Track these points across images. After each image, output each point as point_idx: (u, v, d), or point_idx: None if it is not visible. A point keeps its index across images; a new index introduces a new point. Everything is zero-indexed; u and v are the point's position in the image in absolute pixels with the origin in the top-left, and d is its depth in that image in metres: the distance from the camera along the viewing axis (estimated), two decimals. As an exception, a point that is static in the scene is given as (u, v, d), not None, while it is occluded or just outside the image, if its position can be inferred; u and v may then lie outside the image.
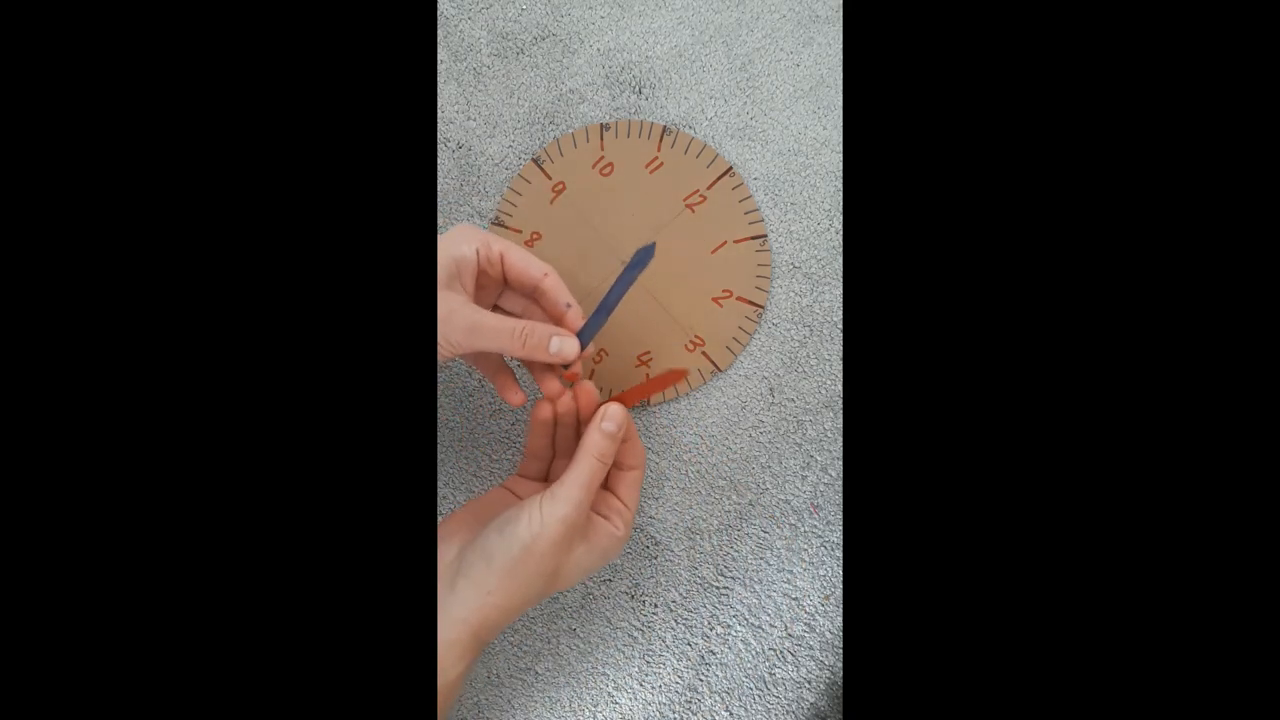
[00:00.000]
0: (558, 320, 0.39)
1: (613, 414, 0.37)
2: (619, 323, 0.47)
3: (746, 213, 0.48)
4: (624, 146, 0.49)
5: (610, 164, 0.49)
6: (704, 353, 0.47)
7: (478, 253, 0.37)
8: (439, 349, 0.35)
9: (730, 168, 0.49)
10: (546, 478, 0.41)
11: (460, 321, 0.35)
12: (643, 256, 0.38)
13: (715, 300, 0.48)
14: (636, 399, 0.39)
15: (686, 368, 0.46)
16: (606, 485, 0.39)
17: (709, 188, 0.49)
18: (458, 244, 0.37)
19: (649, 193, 0.49)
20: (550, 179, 0.49)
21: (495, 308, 0.41)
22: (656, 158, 0.49)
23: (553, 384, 0.40)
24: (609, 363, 0.47)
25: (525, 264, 0.38)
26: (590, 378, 0.47)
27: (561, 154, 0.49)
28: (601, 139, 0.49)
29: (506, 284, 0.40)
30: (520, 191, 0.49)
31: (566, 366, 0.39)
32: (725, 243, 0.48)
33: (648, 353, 0.47)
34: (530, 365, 0.41)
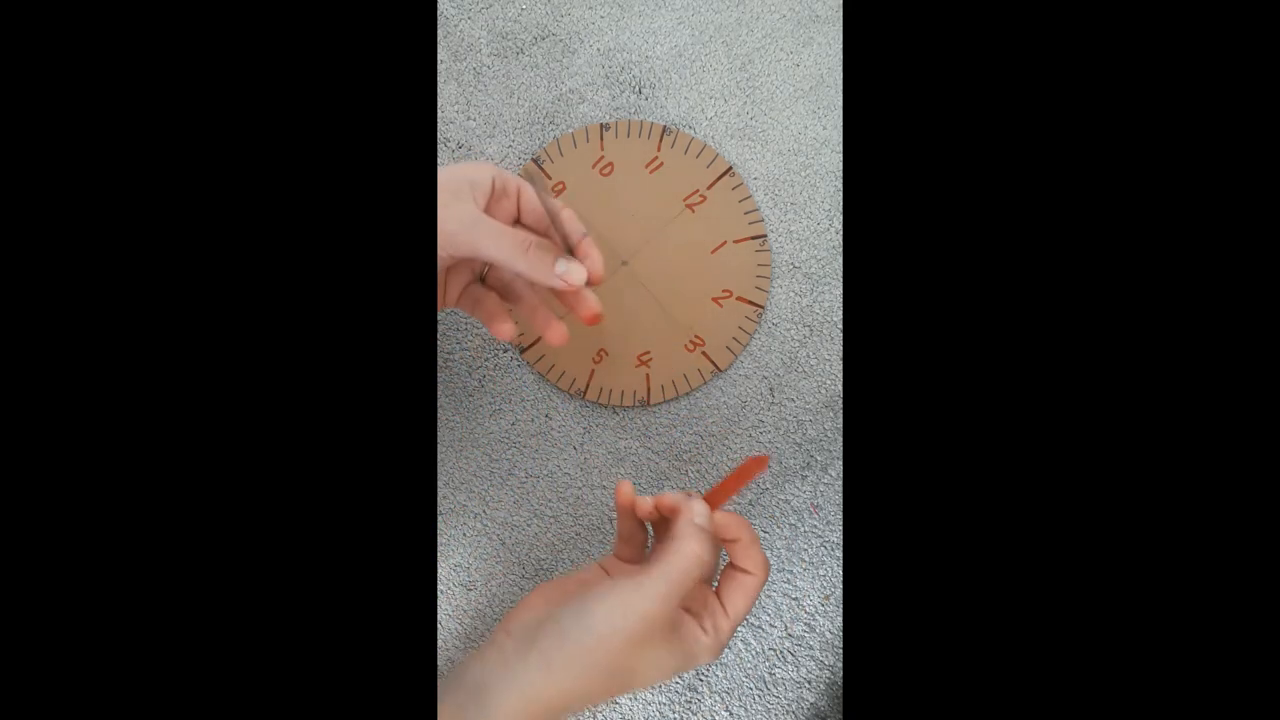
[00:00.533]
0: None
1: (698, 507, 0.34)
2: (618, 323, 0.47)
3: (746, 213, 0.48)
4: (624, 146, 0.49)
5: (610, 164, 0.49)
6: (704, 353, 0.47)
7: (493, 181, 0.36)
8: (439, 251, 0.33)
9: (730, 168, 0.49)
10: (642, 559, 0.38)
11: (465, 216, 0.33)
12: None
13: (715, 300, 0.48)
14: (724, 498, 0.36)
15: (768, 455, 0.43)
16: (717, 588, 0.35)
17: (709, 188, 0.49)
18: (472, 170, 0.35)
19: (649, 193, 0.49)
20: (550, 179, 0.49)
21: (480, 280, 0.40)
22: (656, 158, 0.49)
23: (557, 331, 0.38)
24: (609, 362, 0.47)
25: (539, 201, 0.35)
26: (590, 380, 0.47)
27: (561, 154, 0.49)
28: (601, 139, 0.49)
29: (519, 220, 0.37)
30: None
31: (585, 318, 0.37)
32: (725, 243, 0.48)
33: (647, 353, 0.47)
34: (531, 311, 0.39)
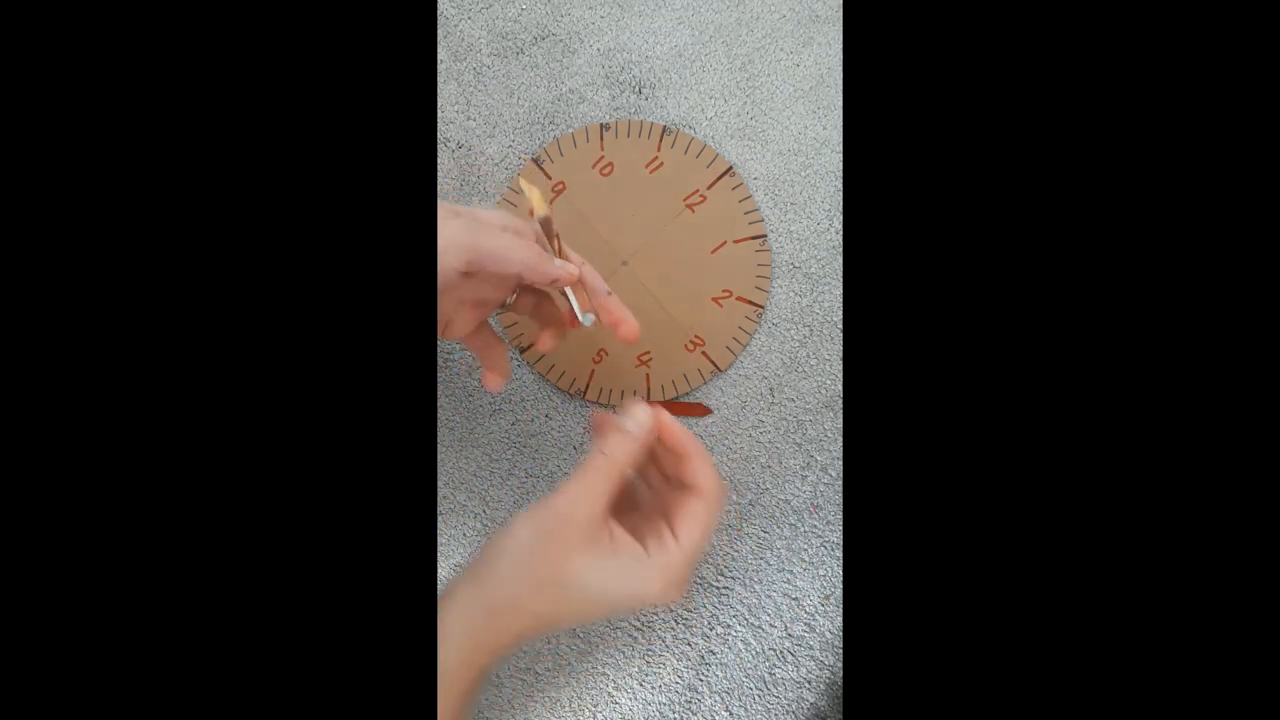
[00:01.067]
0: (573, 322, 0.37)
1: (633, 410, 0.33)
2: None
3: (746, 213, 0.48)
4: (624, 146, 0.49)
5: (610, 164, 0.49)
6: (704, 353, 0.47)
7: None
8: (439, 274, 0.32)
9: (730, 168, 0.49)
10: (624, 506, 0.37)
11: (465, 233, 0.32)
12: None
13: (715, 300, 0.48)
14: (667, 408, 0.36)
15: (711, 409, 0.45)
16: (666, 512, 0.34)
17: (709, 188, 0.49)
18: (445, 242, 0.34)
19: (649, 193, 0.49)
20: (550, 179, 0.49)
21: (504, 305, 0.39)
22: (656, 157, 0.49)
23: (549, 340, 0.38)
24: (608, 363, 0.47)
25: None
26: (590, 380, 0.47)
27: (561, 154, 0.49)
28: (601, 139, 0.49)
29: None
30: (518, 190, 0.49)
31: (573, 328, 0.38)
32: (725, 243, 0.48)
33: (647, 353, 0.47)
34: (536, 316, 0.39)
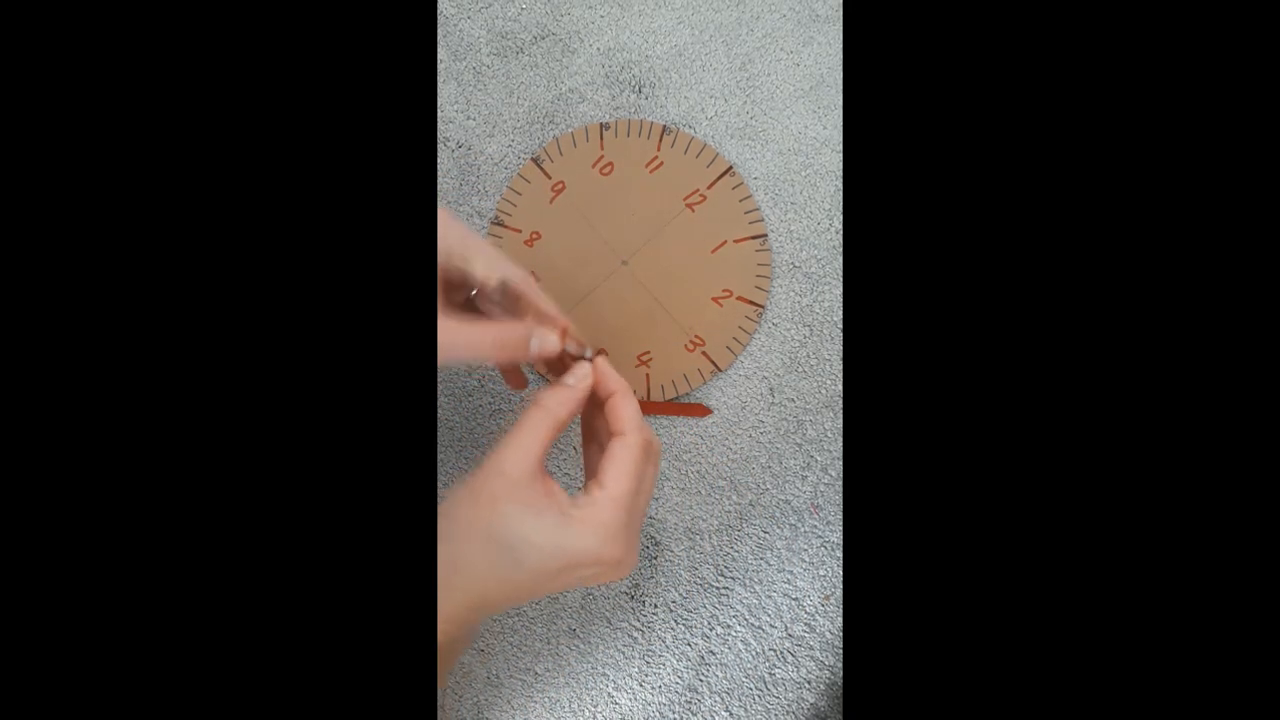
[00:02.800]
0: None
1: (577, 367, 0.33)
2: (618, 324, 0.47)
3: (746, 212, 0.48)
4: (624, 146, 0.49)
5: (610, 163, 0.49)
6: (704, 352, 0.47)
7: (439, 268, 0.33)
8: None
9: (730, 167, 0.49)
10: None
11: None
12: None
13: (715, 300, 0.48)
14: (654, 409, 0.36)
15: (711, 409, 0.46)
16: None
17: (709, 187, 0.49)
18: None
19: (649, 192, 0.49)
20: (550, 178, 0.49)
21: (467, 302, 0.37)
22: (656, 157, 0.49)
23: (517, 381, 0.39)
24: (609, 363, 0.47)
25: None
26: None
27: (561, 153, 0.49)
28: (601, 138, 0.49)
29: (476, 292, 0.35)
30: (520, 191, 0.49)
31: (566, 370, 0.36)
32: (725, 242, 0.48)
33: (647, 352, 0.47)
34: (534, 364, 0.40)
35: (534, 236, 0.48)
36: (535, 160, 0.49)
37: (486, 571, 0.31)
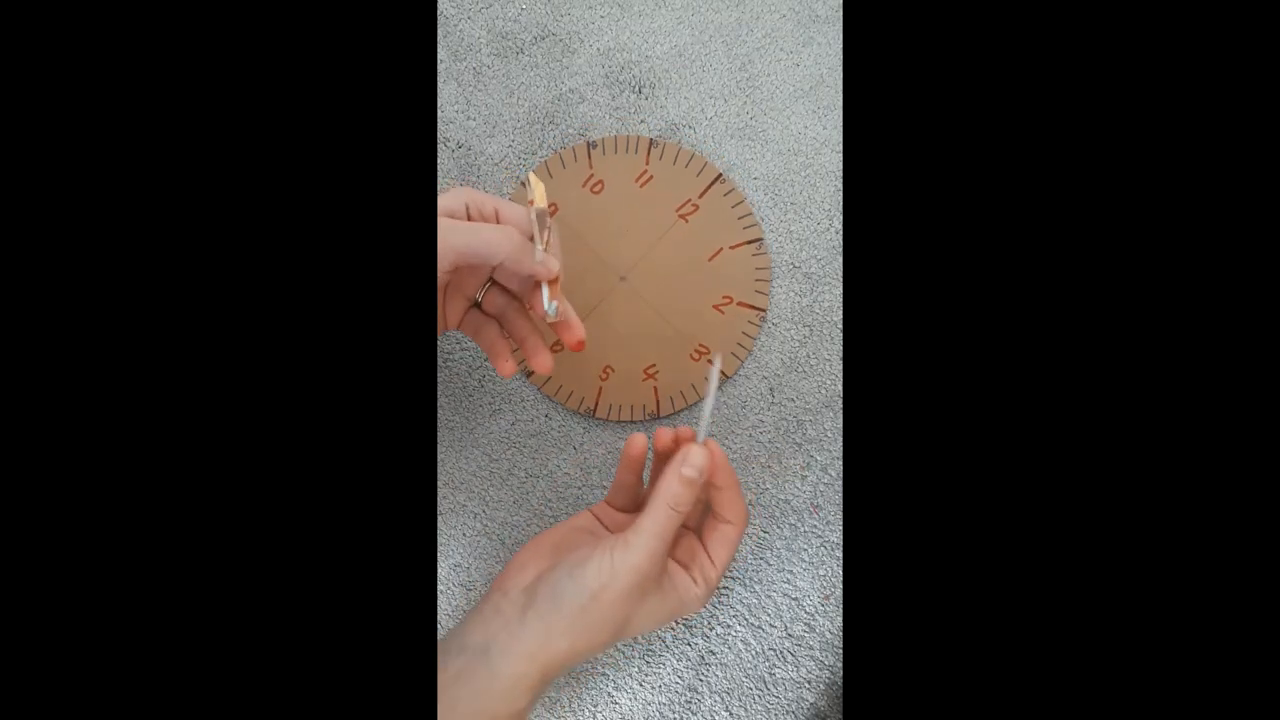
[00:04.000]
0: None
1: (693, 458, 0.34)
2: (622, 338, 0.47)
3: (740, 217, 0.48)
4: (612, 162, 0.49)
5: (600, 181, 0.49)
6: (709, 360, 0.47)
7: (466, 206, 0.36)
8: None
9: (720, 174, 0.49)
10: (636, 508, 0.40)
11: (447, 234, 0.33)
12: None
13: (716, 307, 0.48)
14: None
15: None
16: (700, 536, 0.37)
17: (700, 196, 0.49)
18: (446, 199, 0.36)
19: (641, 206, 0.48)
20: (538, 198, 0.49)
21: (476, 305, 0.40)
22: (646, 170, 0.49)
23: (544, 360, 0.38)
24: (614, 378, 0.47)
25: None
26: (598, 398, 0.47)
27: (550, 175, 0.49)
28: (590, 156, 0.49)
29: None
30: (526, 184, 0.49)
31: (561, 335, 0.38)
32: (721, 249, 0.48)
33: (653, 365, 0.47)
34: (522, 340, 0.39)
35: None
36: (524, 185, 0.49)
37: (590, 648, 0.34)
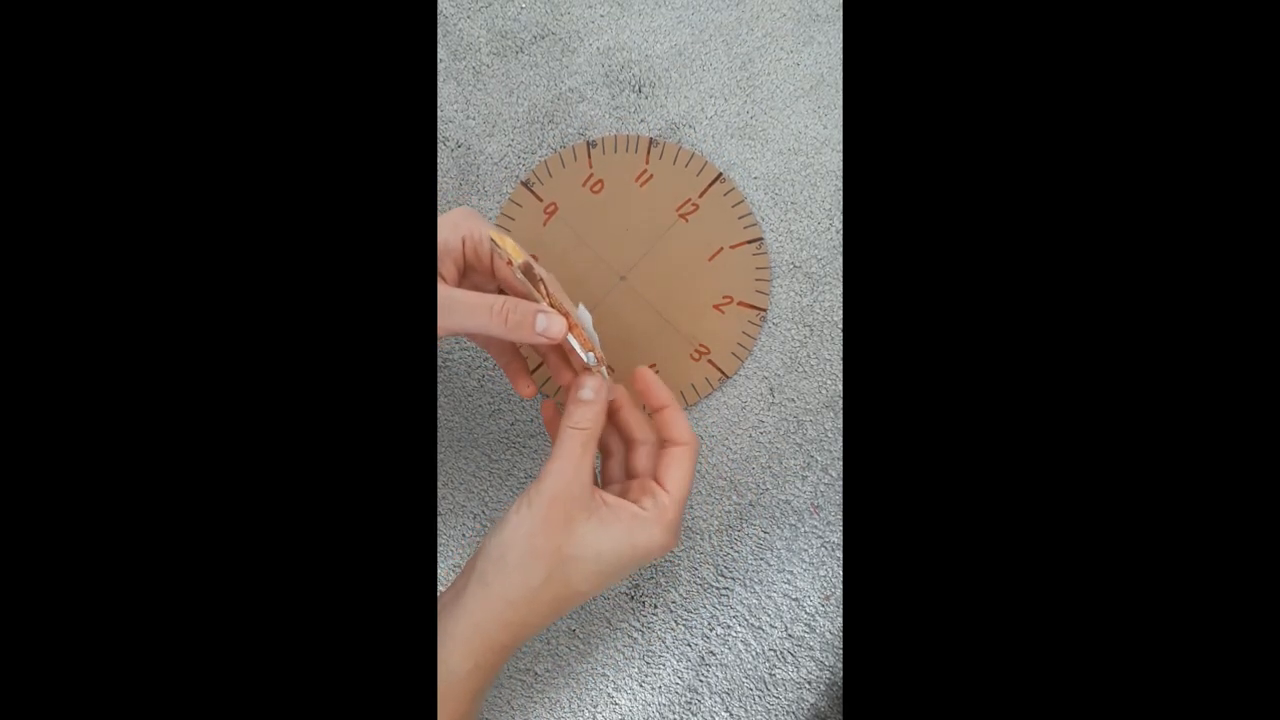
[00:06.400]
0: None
1: (587, 382, 0.35)
2: (622, 339, 0.47)
3: (740, 217, 0.48)
4: (612, 162, 0.49)
5: (600, 181, 0.49)
6: (710, 360, 0.47)
7: (463, 241, 0.36)
8: None
9: (720, 174, 0.49)
10: (629, 475, 0.38)
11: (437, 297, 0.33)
12: None
13: (716, 307, 0.48)
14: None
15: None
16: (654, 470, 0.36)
17: (700, 195, 0.49)
18: (443, 232, 0.35)
19: (641, 206, 0.48)
20: (541, 201, 0.49)
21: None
22: (645, 170, 0.49)
23: (566, 375, 0.38)
24: (614, 378, 0.47)
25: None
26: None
27: (550, 175, 0.49)
28: (589, 156, 0.49)
29: (495, 273, 0.37)
30: (512, 216, 0.49)
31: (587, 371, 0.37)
32: (721, 249, 0.48)
33: (654, 366, 0.47)
34: (543, 353, 0.39)
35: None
36: (525, 184, 0.49)
37: (563, 594, 0.33)
